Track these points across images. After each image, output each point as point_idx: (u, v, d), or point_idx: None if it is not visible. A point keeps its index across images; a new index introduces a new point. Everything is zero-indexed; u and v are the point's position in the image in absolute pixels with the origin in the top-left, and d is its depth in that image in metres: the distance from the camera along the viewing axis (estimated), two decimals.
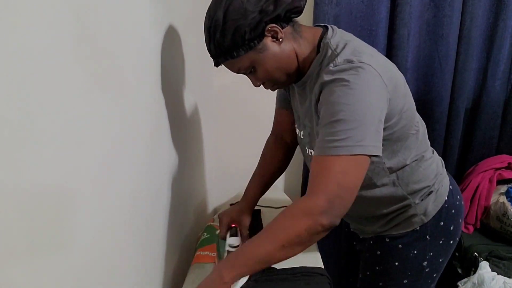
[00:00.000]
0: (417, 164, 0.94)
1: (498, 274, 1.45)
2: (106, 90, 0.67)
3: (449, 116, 1.72)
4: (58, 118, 0.52)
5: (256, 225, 1.12)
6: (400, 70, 0.91)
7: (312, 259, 1.07)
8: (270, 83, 0.89)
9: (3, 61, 0.42)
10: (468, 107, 1.79)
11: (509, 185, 1.68)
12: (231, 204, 1.43)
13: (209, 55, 0.86)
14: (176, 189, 1.16)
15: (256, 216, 1.13)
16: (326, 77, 0.77)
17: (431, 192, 0.95)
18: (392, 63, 0.89)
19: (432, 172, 0.97)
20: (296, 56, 0.86)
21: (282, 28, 0.82)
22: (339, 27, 0.89)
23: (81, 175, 0.59)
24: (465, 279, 1.53)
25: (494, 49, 1.69)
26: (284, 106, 1.11)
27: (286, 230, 0.72)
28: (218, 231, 1.19)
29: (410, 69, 1.68)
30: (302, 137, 1.00)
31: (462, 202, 1.03)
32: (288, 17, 0.82)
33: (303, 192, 1.80)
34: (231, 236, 1.00)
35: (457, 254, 1.72)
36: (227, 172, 1.86)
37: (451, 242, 0.99)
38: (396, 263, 0.97)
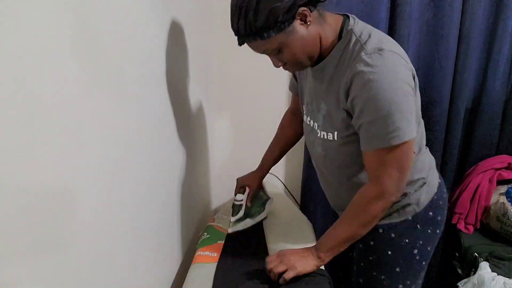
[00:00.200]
0: (415, 156, 0.98)
1: (498, 275, 1.45)
2: (107, 89, 0.67)
3: (449, 116, 1.72)
4: (59, 118, 0.52)
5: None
6: None
7: None
8: (291, 65, 0.91)
9: (3, 61, 0.42)
10: (468, 107, 1.79)
11: (509, 185, 1.68)
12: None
13: (233, 33, 0.86)
14: (176, 189, 1.16)
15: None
16: (359, 67, 0.81)
17: (424, 184, 1.01)
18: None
19: (426, 165, 1.03)
20: (320, 40, 0.88)
21: (311, 12, 0.84)
22: None
23: (82, 175, 0.59)
24: (465, 280, 1.53)
25: (494, 49, 1.69)
26: (295, 92, 1.19)
27: (366, 213, 0.91)
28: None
29: None
30: (310, 123, 1.04)
31: (447, 195, 1.11)
32: (316, 0, 0.84)
33: (303, 192, 1.80)
34: (238, 193, 1.27)
35: (457, 254, 1.72)
36: (228, 173, 1.86)
37: (438, 231, 1.06)
38: (389, 252, 1.02)
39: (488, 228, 1.72)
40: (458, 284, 1.54)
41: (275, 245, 1.19)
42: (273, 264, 0.95)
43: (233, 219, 1.24)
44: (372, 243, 1.04)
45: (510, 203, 1.60)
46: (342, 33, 0.89)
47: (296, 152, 1.79)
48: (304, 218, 1.42)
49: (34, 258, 0.49)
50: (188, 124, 1.28)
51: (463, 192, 1.74)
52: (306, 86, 1.06)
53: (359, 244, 1.08)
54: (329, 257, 0.95)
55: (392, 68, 0.81)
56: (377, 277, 1.05)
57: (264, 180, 1.35)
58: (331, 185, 1.11)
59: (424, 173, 1.01)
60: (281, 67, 0.93)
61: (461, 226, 1.74)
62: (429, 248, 1.05)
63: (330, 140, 0.96)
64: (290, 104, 1.29)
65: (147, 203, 0.91)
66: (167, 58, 1.02)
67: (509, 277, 1.43)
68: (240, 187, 1.28)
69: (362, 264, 1.08)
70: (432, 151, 1.72)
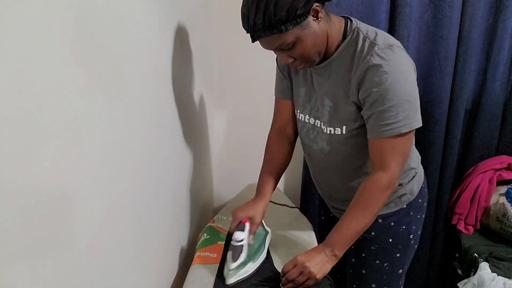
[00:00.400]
0: (412, 146, 1.04)
1: (498, 275, 1.45)
2: (107, 89, 0.67)
3: (449, 117, 1.72)
4: (59, 118, 0.52)
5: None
6: None
7: None
8: (301, 61, 0.93)
9: (3, 61, 0.42)
10: (468, 108, 1.79)
11: (509, 186, 1.68)
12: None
13: (248, 29, 0.86)
14: (176, 190, 1.16)
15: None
16: (374, 60, 0.86)
17: (416, 174, 1.09)
18: None
19: (416, 157, 1.11)
20: (327, 37, 0.92)
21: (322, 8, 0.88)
22: None
23: (82, 175, 0.59)
24: (465, 280, 1.53)
25: (493, 50, 1.69)
26: (285, 97, 1.15)
27: (376, 203, 0.93)
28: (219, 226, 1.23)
29: None
30: (309, 121, 1.06)
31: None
32: None
33: (303, 192, 1.80)
34: (237, 230, 1.03)
35: (457, 255, 1.72)
36: (228, 173, 1.86)
37: (423, 216, 1.15)
38: (390, 240, 1.08)
39: (488, 229, 1.71)
40: (458, 284, 1.54)
41: (275, 247, 1.19)
42: (292, 274, 0.92)
43: (233, 265, 0.99)
44: (373, 233, 1.08)
45: (510, 204, 1.60)
46: (347, 32, 0.93)
47: (296, 153, 1.79)
48: (304, 219, 1.42)
49: (34, 258, 0.49)
50: (188, 124, 1.28)
51: (463, 192, 1.74)
52: (300, 85, 1.07)
53: (359, 236, 1.08)
54: (343, 252, 0.96)
55: (402, 62, 0.88)
56: (380, 265, 1.10)
57: None
58: (331, 179, 1.12)
59: (415, 164, 1.09)
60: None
61: (461, 226, 1.74)
62: (419, 232, 1.14)
63: (338, 134, 0.99)
64: (274, 119, 1.21)
65: (147, 204, 0.91)
66: (167, 57, 1.02)
67: (509, 278, 1.43)
68: (238, 222, 1.05)
69: (363, 255, 1.12)
70: (432, 151, 1.74)
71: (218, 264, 1.08)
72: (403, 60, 0.89)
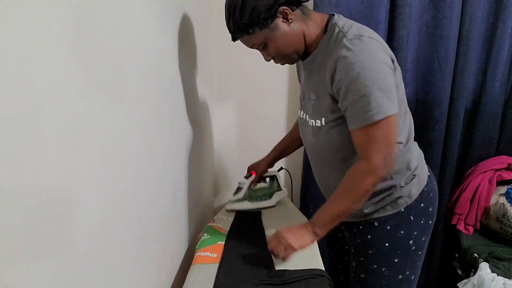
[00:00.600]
0: (403, 146, 1.04)
1: (498, 275, 1.45)
2: (107, 89, 0.67)
3: (449, 117, 1.72)
4: (58, 118, 0.52)
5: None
6: None
7: (312, 260, 1.07)
8: (279, 59, 1.01)
9: (3, 61, 0.42)
10: (468, 108, 1.79)
11: (509, 186, 1.68)
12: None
13: (228, 31, 0.98)
14: (176, 190, 1.17)
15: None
16: (342, 52, 0.88)
17: (414, 176, 1.07)
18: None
19: (415, 159, 1.09)
20: (304, 36, 0.97)
21: (292, 11, 0.93)
22: None
23: (81, 175, 0.59)
24: (465, 280, 1.53)
25: (493, 50, 1.69)
26: None
27: (358, 188, 0.95)
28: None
29: (409, 70, 1.69)
30: (303, 116, 1.11)
31: (437, 188, 1.16)
32: (298, 1, 0.94)
33: (303, 193, 1.80)
34: (246, 178, 1.40)
35: (457, 255, 1.72)
36: (228, 174, 1.87)
37: (430, 222, 1.11)
38: (387, 244, 1.07)
39: (488, 229, 1.72)
40: (458, 285, 1.54)
41: None
42: (271, 245, 1.02)
43: (232, 198, 1.40)
44: (369, 236, 1.08)
45: (510, 204, 1.61)
46: (327, 28, 0.97)
47: (296, 154, 1.79)
48: (304, 218, 1.42)
49: (34, 258, 0.49)
50: (188, 124, 1.28)
51: (462, 192, 1.74)
52: (301, 83, 1.15)
53: (357, 240, 1.12)
54: (324, 232, 1.00)
55: (371, 51, 0.88)
56: (378, 269, 1.09)
57: (280, 173, 1.47)
58: (324, 173, 1.14)
59: (413, 166, 1.07)
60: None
61: (461, 227, 1.74)
62: (423, 239, 1.10)
63: (319, 126, 1.03)
64: None
65: (147, 204, 0.91)
66: (167, 57, 1.02)
67: (509, 278, 1.43)
68: (248, 172, 1.41)
69: (362, 259, 1.12)
70: (432, 151, 1.74)
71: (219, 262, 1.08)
72: (373, 49, 0.89)
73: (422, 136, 1.69)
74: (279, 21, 0.93)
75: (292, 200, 1.59)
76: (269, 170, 1.44)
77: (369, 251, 1.09)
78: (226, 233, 1.24)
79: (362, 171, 0.94)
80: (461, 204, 1.74)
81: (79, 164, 0.58)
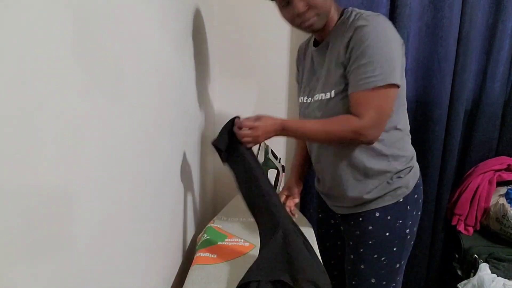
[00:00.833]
0: (402, 133, 1.10)
1: (498, 276, 1.45)
2: (107, 89, 0.67)
3: (449, 118, 1.72)
4: (58, 118, 0.52)
5: None
6: None
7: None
8: (313, 13, 1.01)
9: (3, 61, 0.42)
10: (468, 109, 1.79)
11: (509, 187, 1.68)
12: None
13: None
14: (176, 191, 1.16)
15: None
16: (360, 22, 0.95)
17: (411, 169, 1.12)
18: None
19: (410, 151, 1.15)
20: (330, 12, 1.03)
21: None
22: None
23: (81, 175, 0.59)
24: (465, 281, 1.53)
25: (493, 50, 1.69)
26: None
27: (335, 132, 0.99)
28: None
29: (409, 70, 1.69)
30: (306, 100, 1.15)
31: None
32: None
33: (303, 192, 1.80)
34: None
35: (457, 256, 1.72)
36: (228, 174, 1.86)
37: (419, 213, 1.17)
38: (387, 234, 1.10)
39: (487, 230, 1.72)
40: (458, 285, 1.55)
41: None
42: (244, 133, 1.02)
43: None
44: (370, 227, 1.11)
45: (509, 205, 1.61)
46: (342, 15, 1.04)
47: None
48: (304, 219, 1.42)
49: (34, 258, 0.49)
50: (189, 125, 1.28)
51: (462, 193, 1.75)
52: (305, 72, 1.19)
53: (356, 232, 1.15)
54: (287, 133, 1.03)
55: (386, 27, 0.96)
56: (378, 259, 1.12)
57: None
58: (328, 159, 1.15)
59: (408, 156, 1.12)
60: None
61: (460, 227, 1.74)
62: (414, 229, 1.16)
63: (328, 99, 1.05)
64: None
65: (147, 204, 0.91)
66: (167, 57, 1.02)
67: (508, 279, 1.43)
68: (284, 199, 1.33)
69: (361, 250, 1.14)
70: (432, 152, 1.74)
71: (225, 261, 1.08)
72: (389, 27, 0.96)
73: (422, 137, 1.69)
74: None
75: None
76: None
77: (369, 242, 1.12)
78: (226, 234, 1.24)
79: (350, 121, 0.97)
80: (461, 204, 1.74)
81: (79, 164, 0.58)
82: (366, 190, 1.09)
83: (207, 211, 1.71)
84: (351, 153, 1.08)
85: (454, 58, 1.66)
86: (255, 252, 1.18)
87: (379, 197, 1.09)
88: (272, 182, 1.55)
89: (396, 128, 1.07)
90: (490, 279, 1.43)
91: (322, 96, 1.07)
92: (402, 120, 1.09)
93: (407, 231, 1.12)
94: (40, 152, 0.49)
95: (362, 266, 1.14)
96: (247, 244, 1.22)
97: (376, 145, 1.05)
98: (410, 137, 1.16)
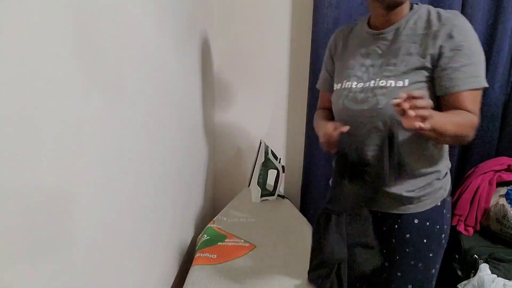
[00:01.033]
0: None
1: (498, 277, 1.44)
2: (107, 90, 0.67)
3: None
4: (58, 118, 0.52)
5: None
6: None
7: None
8: None
9: (4, 61, 0.42)
10: None
11: (509, 187, 1.68)
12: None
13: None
14: (176, 191, 1.16)
15: None
16: (456, 21, 0.98)
17: (447, 173, 1.15)
18: None
19: (447, 156, 1.17)
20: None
21: None
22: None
23: (81, 176, 0.59)
24: (465, 282, 1.53)
25: (493, 51, 1.69)
26: (328, 89, 1.24)
27: (467, 125, 0.99)
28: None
29: None
30: (355, 86, 1.09)
31: None
32: None
33: (303, 193, 1.80)
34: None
35: (457, 256, 1.71)
36: (227, 175, 1.86)
37: (452, 217, 1.18)
38: (425, 241, 1.10)
39: (488, 230, 1.71)
40: (458, 286, 1.54)
41: (274, 246, 1.18)
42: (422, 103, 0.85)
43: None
44: (408, 236, 1.10)
45: (510, 205, 1.60)
46: (412, 7, 1.05)
47: (296, 154, 1.79)
48: (304, 220, 1.42)
49: (34, 259, 0.49)
50: (189, 125, 1.28)
51: (462, 193, 1.74)
52: (348, 59, 1.14)
53: (392, 239, 1.12)
54: (439, 128, 0.92)
55: (472, 28, 0.99)
56: (415, 265, 1.11)
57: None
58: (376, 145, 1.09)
59: (447, 162, 1.15)
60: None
61: (461, 228, 1.73)
62: (448, 231, 1.15)
63: (400, 86, 1.02)
64: (318, 106, 1.32)
65: (147, 205, 0.91)
66: (167, 58, 1.02)
67: (509, 279, 1.43)
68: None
69: (397, 257, 1.12)
70: None
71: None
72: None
73: None
74: None
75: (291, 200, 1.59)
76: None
77: (407, 249, 1.11)
78: (226, 234, 1.24)
79: (472, 118, 0.99)
80: (461, 205, 1.73)
81: (79, 164, 0.58)
82: (411, 187, 1.07)
83: (207, 211, 1.71)
84: (417, 151, 1.06)
85: None
86: (255, 252, 1.19)
87: (419, 201, 1.08)
88: (272, 183, 1.55)
89: None
90: (490, 280, 1.43)
91: (391, 84, 1.03)
92: None
93: (443, 235, 1.12)
94: (40, 152, 0.49)
95: (399, 273, 1.13)
96: (247, 244, 1.21)
97: (434, 149, 1.07)
98: None
